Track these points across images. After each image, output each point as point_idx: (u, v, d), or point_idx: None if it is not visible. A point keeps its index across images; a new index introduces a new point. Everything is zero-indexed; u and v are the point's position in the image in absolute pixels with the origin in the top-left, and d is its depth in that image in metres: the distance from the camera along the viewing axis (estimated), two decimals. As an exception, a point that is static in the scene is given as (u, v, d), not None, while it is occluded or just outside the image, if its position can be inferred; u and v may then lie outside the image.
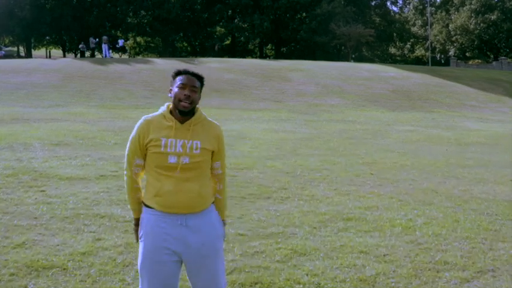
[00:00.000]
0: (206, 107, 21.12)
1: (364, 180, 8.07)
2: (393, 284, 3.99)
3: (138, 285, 3.40)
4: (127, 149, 2.76)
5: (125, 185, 2.80)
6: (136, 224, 2.79)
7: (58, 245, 4.50)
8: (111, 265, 4.08)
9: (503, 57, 53.75)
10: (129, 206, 2.82)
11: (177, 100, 2.67)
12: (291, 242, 4.79)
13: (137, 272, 3.97)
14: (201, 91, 2.77)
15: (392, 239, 5.06)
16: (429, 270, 4.30)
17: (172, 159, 2.63)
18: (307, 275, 4.06)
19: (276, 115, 20.32)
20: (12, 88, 24.28)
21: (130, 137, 2.75)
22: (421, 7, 70.04)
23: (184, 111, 2.67)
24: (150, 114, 2.76)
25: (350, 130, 16.21)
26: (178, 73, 2.75)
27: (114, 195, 6.30)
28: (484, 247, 4.99)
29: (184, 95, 2.65)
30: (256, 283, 3.79)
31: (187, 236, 2.65)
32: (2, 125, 14.30)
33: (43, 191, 6.43)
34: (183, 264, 2.73)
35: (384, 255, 4.58)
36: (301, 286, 3.85)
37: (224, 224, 2.86)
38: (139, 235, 2.74)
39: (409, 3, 75.12)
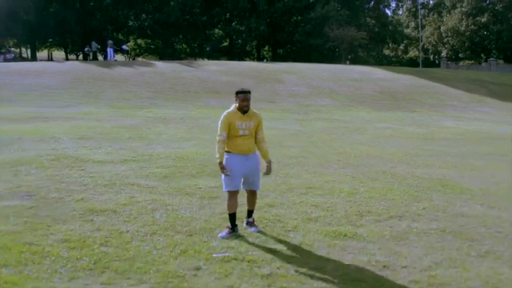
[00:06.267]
0: (205, 107, 23.25)
1: (331, 165, 10.19)
2: (328, 221, 6.13)
3: (161, 223, 5.55)
4: (220, 126, 5.50)
5: (218, 147, 5.48)
6: (221, 163, 5.49)
7: (106, 200, 6.63)
8: (144, 209, 6.22)
9: (491, 59, 55.52)
10: (217, 156, 5.48)
11: (241, 107, 5.55)
12: (265, 200, 6.90)
13: (166, 212, 6.08)
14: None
15: (337, 199, 7.19)
16: (355, 215, 6.43)
17: (241, 132, 5.52)
18: (272, 216, 6.20)
19: (269, 115, 22.30)
20: (24, 89, 26.05)
21: (220, 122, 5.53)
22: (414, 9, 72.02)
23: (246, 111, 5.56)
24: (227, 110, 5.59)
25: (333, 127, 18.30)
26: (238, 92, 5.58)
27: (138, 172, 8.43)
28: (401, 204, 7.11)
29: (245, 106, 5.55)
30: (237, 218, 5.86)
31: (248, 164, 5.58)
32: (23, 122, 16.31)
33: (83, 169, 8.55)
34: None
35: (328, 207, 6.71)
36: (267, 220, 6.00)
37: (270, 161, 5.82)
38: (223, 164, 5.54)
39: (402, 6, 77.40)
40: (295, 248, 5.21)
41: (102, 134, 13.57)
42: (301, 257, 4.94)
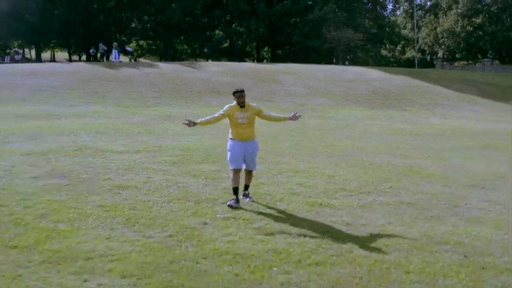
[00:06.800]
0: (206, 106, 24.67)
1: (318, 155, 11.64)
2: (308, 195, 7.59)
3: (175, 195, 6.99)
4: (221, 111, 7.06)
5: (209, 118, 7.08)
6: (191, 124, 6.94)
7: (128, 179, 8.10)
8: (160, 186, 7.69)
9: (485, 59, 56.75)
10: (200, 120, 7.04)
11: (239, 103, 7.04)
12: (259, 180, 8.36)
13: (178, 188, 7.54)
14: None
15: (318, 180, 8.66)
16: (331, 191, 7.90)
17: (240, 120, 7.03)
18: (263, 191, 7.69)
19: (266, 113, 23.76)
20: (33, 90, 27.23)
21: (223, 109, 7.07)
22: (411, 11, 73.44)
23: (243, 106, 7.01)
24: (230, 104, 7.12)
25: (325, 124, 19.74)
26: (234, 92, 7.08)
27: (151, 160, 9.89)
28: (372, 184, 8.56)
29: (241, 102, 7.03)
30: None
31: (248, 148, 7.10)
32: (39, 119, 17.72)
33: (104, 157, 10.01)
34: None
35: (310, 186, 8.17)
36: (259, 194, 7.47)
37: (289, 117, 7.37)
38: (228, 148, 7.15)
39: (400, 7, 78.98)
40: (280, 212, 6.68)
41: (115, 129, 15.02)
42: (284, 218, 6.41)
